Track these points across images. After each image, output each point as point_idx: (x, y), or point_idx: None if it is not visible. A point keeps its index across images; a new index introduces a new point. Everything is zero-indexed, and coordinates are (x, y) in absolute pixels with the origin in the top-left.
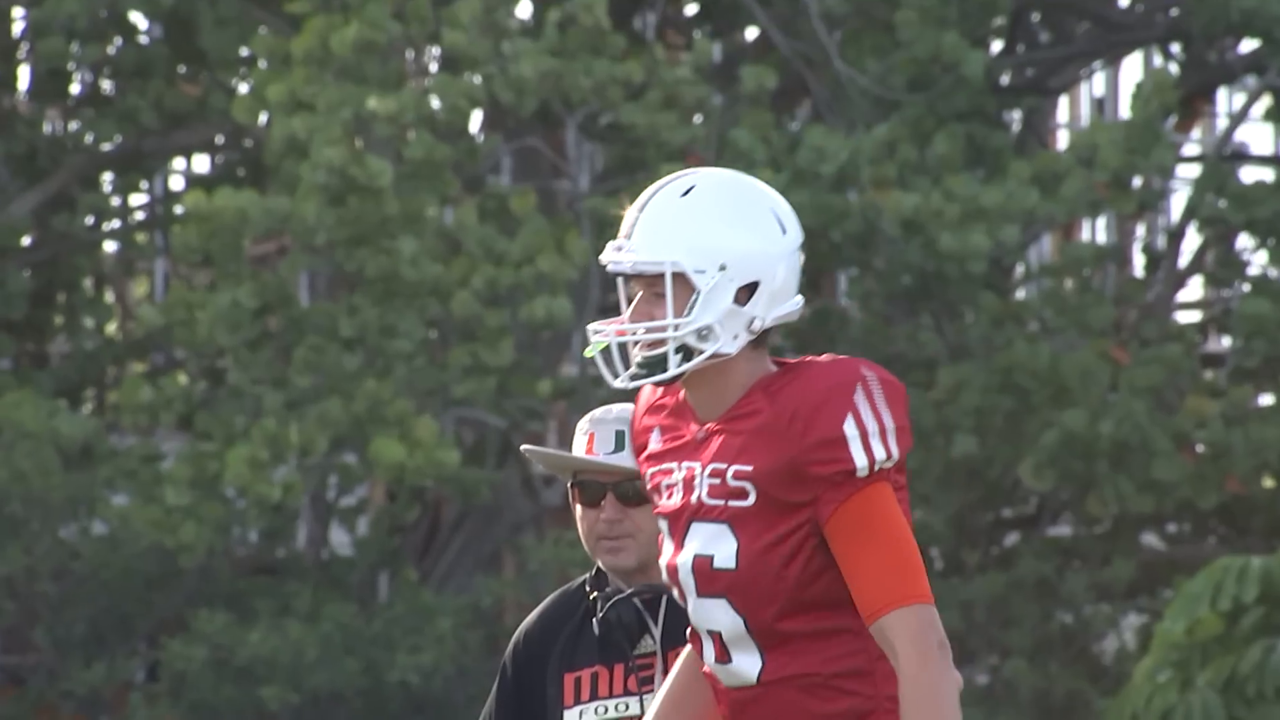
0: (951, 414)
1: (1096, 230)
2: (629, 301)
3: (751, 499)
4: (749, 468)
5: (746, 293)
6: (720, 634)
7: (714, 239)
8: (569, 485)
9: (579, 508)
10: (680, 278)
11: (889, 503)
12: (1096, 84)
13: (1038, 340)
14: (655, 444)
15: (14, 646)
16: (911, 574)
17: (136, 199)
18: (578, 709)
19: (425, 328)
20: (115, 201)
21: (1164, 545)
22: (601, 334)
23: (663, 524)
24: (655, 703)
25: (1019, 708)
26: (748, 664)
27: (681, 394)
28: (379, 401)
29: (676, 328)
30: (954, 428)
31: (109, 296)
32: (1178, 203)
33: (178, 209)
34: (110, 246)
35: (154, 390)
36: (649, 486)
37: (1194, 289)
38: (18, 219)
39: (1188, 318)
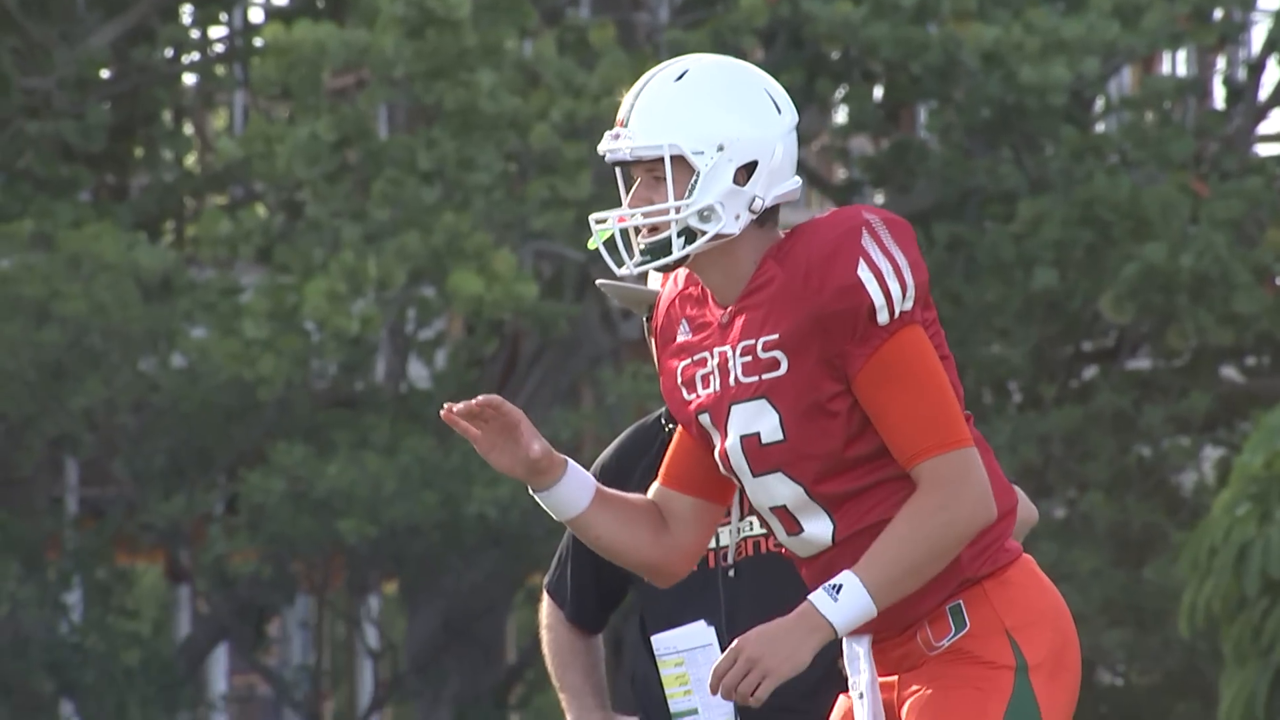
0: (1031, 247)
1: (1177, 63)
2: (628, 189)
3: (784, 367)
4: (775, 335)
5: (746, 173)
6: (785, 507)
7: (710, 121)
8: (644, 319)
9: None
10: (679, 160)
11: (919, 348)
12: None
13: (1118, 173)
14: (684, 335)
15: (93, 479)
16: (945, 419)
17: (215, 31)
18: None
19: (504, 160)
20: (194, 34)
21: (1243, 378)
22: (604, 224)
23: (705, 418)
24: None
25: (1096, 541)
26: (820, 529)
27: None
28: (457, 234)
29: (678, 210)
30: (1034, 260)
31: (188, 129)
32: (1259, 35)
33: (257, 41)
34: (189, 79)
35: (233, 223)
36: (680, 381)
37: (1275, 121)
38: (97, 51)
39: (1268, 150)
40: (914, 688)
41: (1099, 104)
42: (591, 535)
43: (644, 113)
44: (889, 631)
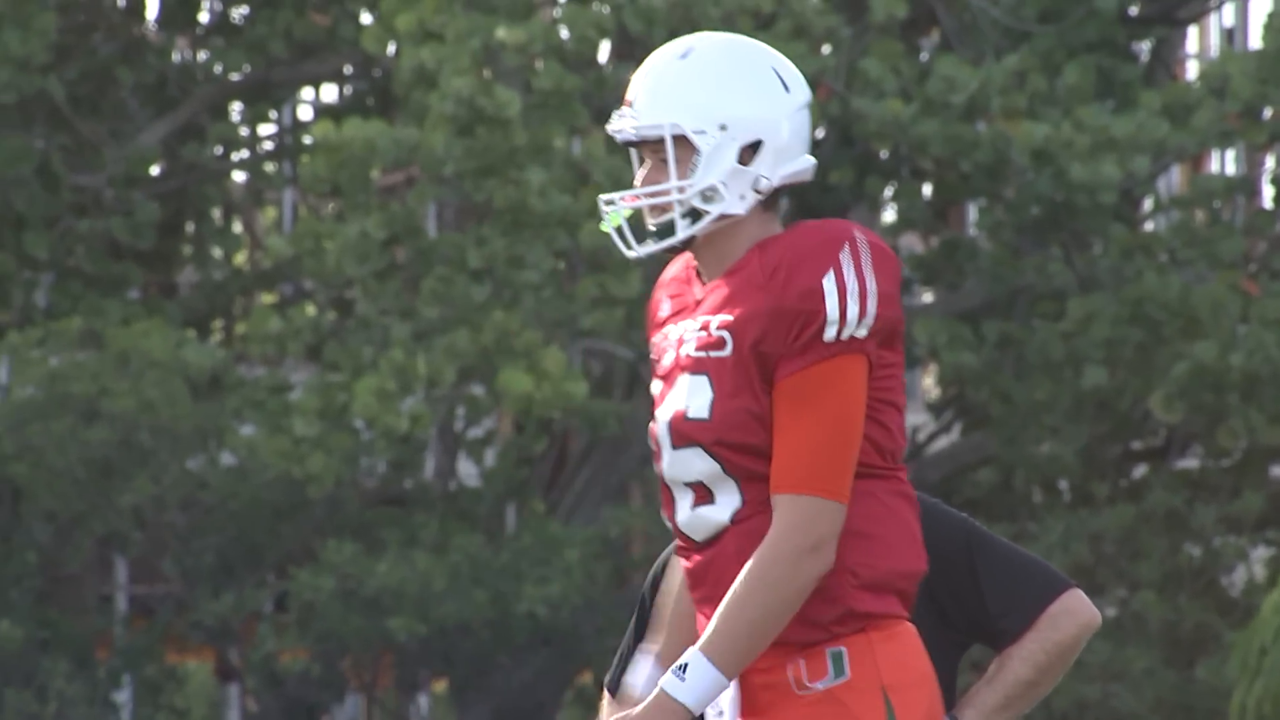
0: (1081, 345)
1: (1226, 162)
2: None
3: (728, 349)
4: (730, 317)
5: (750, 152)
6: (700, 481)
7: (713, 99)
8: None
9: None
10: (681, 140)
11: (850, 382)
12: (1226, 14)
13: (1167, 272)
14: (664, 313)
15: (142, 577)
16: (828, 464)
17: (265, 129)
18: None
19: (553, 258)
20: (244, 131)
21: None
22: (612, 206)
23: (655, 388)
24: (666, 616)
25: (1148, 640)
26: (727, 503)
27: (694, 264)
28: (506, 332)
29: (681, 190)
30: (1083, 359)
31: (237, 226)
32: None
33: (306, 139)
34: (239, 176)
35: (282, 320)
36: (652, 358)
37: None
38: (147, 148)
39: None
40: None
41: (1148, 203)
42: None
43: (648, 91)
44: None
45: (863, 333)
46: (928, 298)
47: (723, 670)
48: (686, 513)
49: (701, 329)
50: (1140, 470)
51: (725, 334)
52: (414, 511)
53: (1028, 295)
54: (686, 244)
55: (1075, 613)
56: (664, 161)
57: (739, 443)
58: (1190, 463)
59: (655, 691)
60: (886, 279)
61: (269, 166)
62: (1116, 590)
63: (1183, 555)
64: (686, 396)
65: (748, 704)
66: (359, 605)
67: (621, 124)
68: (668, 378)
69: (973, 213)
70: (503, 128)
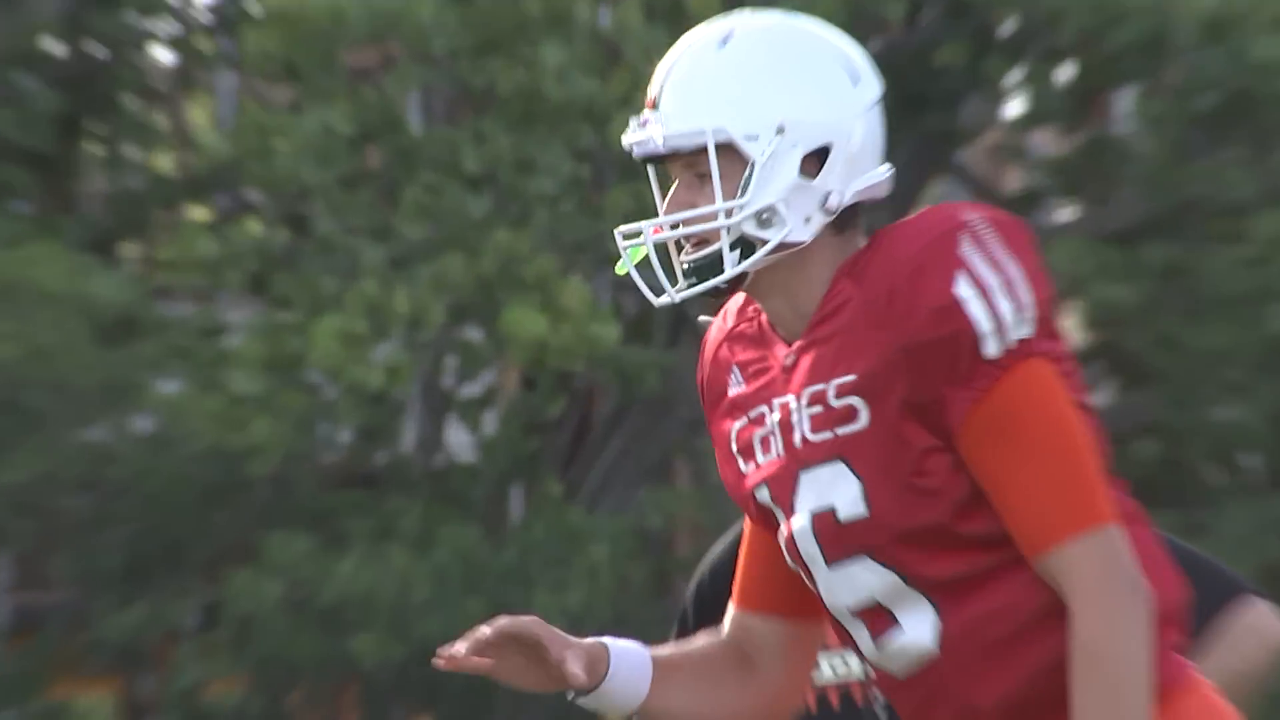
0: (1268, 276)
1: None
2: (663, 193)
3: (863, 418)
4: (851, 377)
5: (816, 161)
6: (876, 601)
7: (765, 96)
8: None
9: None
10: (727, 149)
11: (1043, 389)
12: None
13: None
14: (737, 387)
15: (29, 580)
16: (1080, 490)
17: None
18: None
19: (574, 161)
20: None
21: None
22: (635, 239)
23: (765, 495)
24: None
25: None
26: (921, 625)
27: (762, 317)
28: (513, 258)
29: (729, 214)
30: (1271, 296)
31: (160, 120)
32: None
33: (253, 8)
34: (163, 55)
35: (217, 242)
36: (735, 449)
37: None
38: (40, 19)
39: None
40: None
41: None
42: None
43: (679, 89)
44: None
45: (1026, 330)
46: (1066, 214)
47: None
48: (870, 646)
49: (813, 403)
50: None
51: (854, 400)
52: (388, 495)
53: (1199, 211)
54: (736, 284)
55: (1260, 630)
56: (701, 178)
57: (913, 529)
58: None
59: None
60: (1024, 254)
61: (203, 42)
62: None
63: None
64: (825, 493)
65: None
66: (313, 620)
67: (646, 133)
68: (780, 479)
69: (1125, 103)
70: None
